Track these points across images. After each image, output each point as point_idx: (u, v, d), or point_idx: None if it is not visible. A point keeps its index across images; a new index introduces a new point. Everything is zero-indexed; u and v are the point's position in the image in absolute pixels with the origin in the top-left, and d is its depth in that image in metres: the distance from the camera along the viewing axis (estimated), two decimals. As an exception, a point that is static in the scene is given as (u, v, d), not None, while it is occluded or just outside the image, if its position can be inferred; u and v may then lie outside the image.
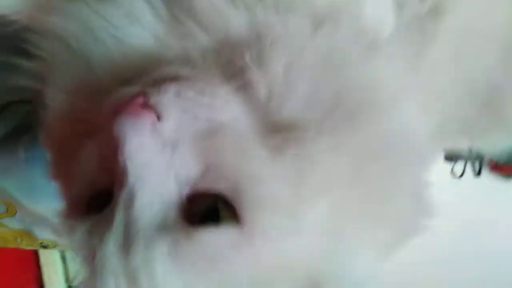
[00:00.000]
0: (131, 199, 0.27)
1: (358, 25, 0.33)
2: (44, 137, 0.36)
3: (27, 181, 0.54)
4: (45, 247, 0.70)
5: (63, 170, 0.34)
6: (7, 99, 0.46)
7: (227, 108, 0.29)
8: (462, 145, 0.48)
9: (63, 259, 1.13)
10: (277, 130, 0.30)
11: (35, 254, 1.12)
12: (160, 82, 0.28)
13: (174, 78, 0.29)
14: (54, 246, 0.70)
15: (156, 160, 0.27)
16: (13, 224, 0.63)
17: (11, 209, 0.60)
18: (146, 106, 0.27)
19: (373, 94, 0.32)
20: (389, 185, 0.32)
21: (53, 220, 0.60)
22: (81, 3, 0.33)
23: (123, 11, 0.33)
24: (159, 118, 0.27)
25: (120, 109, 0.27)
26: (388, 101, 0.32)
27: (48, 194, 0.54)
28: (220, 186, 0.28)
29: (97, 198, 0.29)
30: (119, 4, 0.33)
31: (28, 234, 0.65)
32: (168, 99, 0.28)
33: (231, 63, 0.31)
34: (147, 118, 0.27)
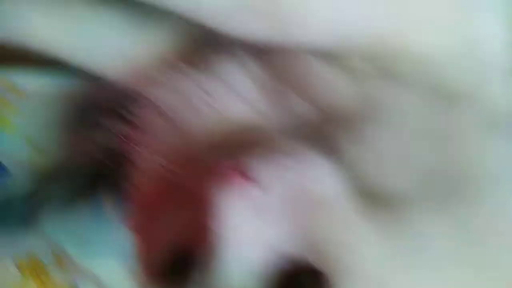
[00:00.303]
0: (216, 264, 0.27)
1: (483, 103, 0.32)
2: (131, 195, 0.36)
3: (84, 238, 0.54)
4: (86, 303, 0.69)
5: (146, 229, 0.34)
6: (85, 158, 0.46)
7: (321, 177, 0.29)
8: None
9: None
10: (375, 200, 0.29)
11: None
12: (255, 151, 0.29)
13: (270, 147, 0.29)
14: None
15: (246, 227, 0.27)
16: (59, 277, 0.62)
17: (59, 263, 0.60)
18: (240, 174, 0.27)
19: (484, 174, 0.31)
20: (491, 267, 0.30)
21: (102, 278, 0.59)
22: (181, 74, 0.34)
23: (222, 82, 0.33)
24: (252, 185, 0.28)
25: (214, 176, 0.27)
26: (498, 181, 0.31)
27: (103, 252, 0.53)
28: (311, 254, 0.27)
29: (178, 262, 0.29)
30: (218, 76, 0.34)
31: (72, 290, 0.65)
32: (262, 168, 0.28)
33: (331, 133, 0.31)
34: (241, 186, 0.27)
